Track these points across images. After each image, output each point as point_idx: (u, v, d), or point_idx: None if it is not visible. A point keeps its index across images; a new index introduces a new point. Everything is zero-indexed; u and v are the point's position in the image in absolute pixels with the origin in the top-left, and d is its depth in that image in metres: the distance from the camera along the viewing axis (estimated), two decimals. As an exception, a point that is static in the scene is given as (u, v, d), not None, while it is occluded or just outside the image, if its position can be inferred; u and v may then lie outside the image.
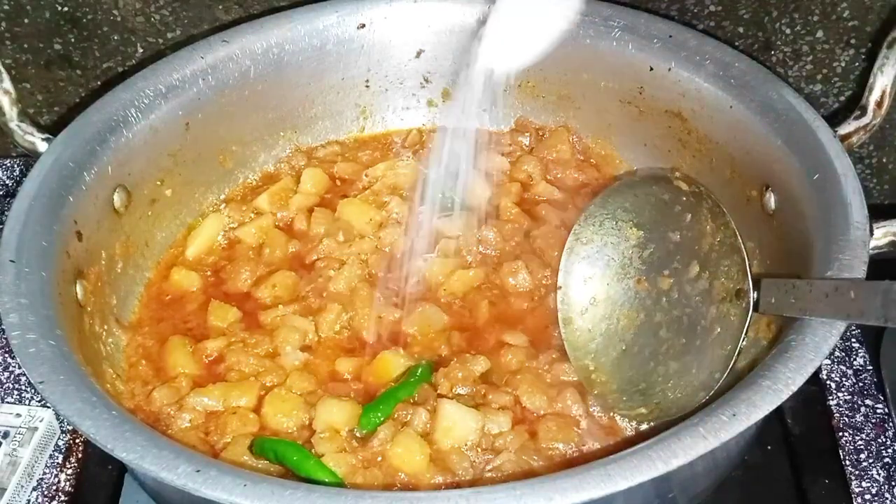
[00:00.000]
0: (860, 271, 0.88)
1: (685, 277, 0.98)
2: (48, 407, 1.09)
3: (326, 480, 0.91)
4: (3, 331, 0.88)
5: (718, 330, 0.94)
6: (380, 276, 1.14)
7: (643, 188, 1.04)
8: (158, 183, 1.16)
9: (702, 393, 0.93)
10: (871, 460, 1.04)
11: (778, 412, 0.92)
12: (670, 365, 0.97)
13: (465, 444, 0.96)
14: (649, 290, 1.01)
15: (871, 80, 1.05)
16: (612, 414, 0.99)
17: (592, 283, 1.06)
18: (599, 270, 1.05)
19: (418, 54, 1.28)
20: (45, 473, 1.06)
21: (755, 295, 0.91)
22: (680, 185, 1.01)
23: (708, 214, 0.97)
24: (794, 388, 0.81)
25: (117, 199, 1.10)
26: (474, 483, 0.93)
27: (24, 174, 1.32)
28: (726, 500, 1.05)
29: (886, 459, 1.04)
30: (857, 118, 1.06)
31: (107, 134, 1.08)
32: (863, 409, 1.09)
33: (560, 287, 1.07)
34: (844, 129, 1.05)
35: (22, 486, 1.04)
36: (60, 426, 1.09)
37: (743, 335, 0.92)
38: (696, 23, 1.24)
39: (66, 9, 1.26)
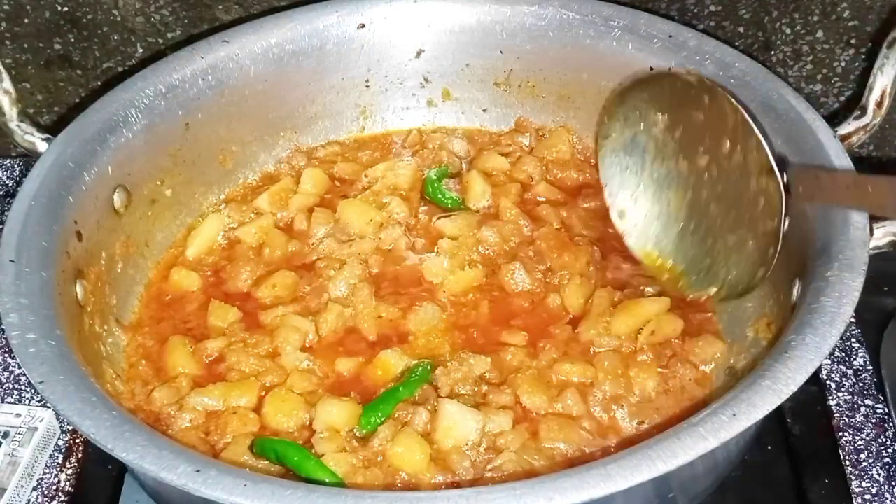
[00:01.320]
0: (860, 271, 0.88)
1: (720, 153, 0.98)
2: (48, 407, 1.08)
3: (327, 481, 0.91)
4: (3, 331, 0.88)
5: (763, 201, 0.94)
6: (380, 275, 1.14)
7: (655, 83, 1.05)
8: (158, 183, 1.16)
9: (761, 269, 0.94)
10: (871, 460, 1.04)
11: (778, 412, 0.92)
12: (728, 238, 0.98)
13: (466, 444, 0.96)
14: (690, 168, 1.02)
15: (871, 80, 1.06)
16: (689, 294, 1.02)
17: (635, 171, 1.07)
18: (638, 158, 1.07)
19: (418, 54, 1.28)
20: (45, 473, 1.06)
21: (785, 178, 0.91)
22: (689, 78, 1.02)
23: (723, 98, 0.97)
24: (794, 388, 0.81)
25: (117, 199, 1.10)
26: (475, 483, 0.93)
27: (24, 174, 1.32)
28: (726, 500, 1.05)
29: (886, 459, 1.04)
30: (857, 118, 1.06)
31: (107, 134, 1.08)
32: (863, 409, 1.09)
33: (604, 185, 1.09)
34: (844, 129, 1.05)
35: (22, 486, 1.03)
36: (60, 426, 1.09)
37: (783, 213, 0.91)
38: (696, 23, 1.24)
39: (66, 9, 1.27)
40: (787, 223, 0.92)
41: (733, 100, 0.96)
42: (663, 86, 1.04)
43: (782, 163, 0.92)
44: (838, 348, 1.14)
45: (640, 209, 1.06)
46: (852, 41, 1.23)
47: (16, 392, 1.12)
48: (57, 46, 1.30)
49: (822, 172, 0.89)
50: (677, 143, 1.03)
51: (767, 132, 0.94)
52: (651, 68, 1.15)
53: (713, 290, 0.99)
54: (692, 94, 1.00)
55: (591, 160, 1.26)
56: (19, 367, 1.10)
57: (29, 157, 1.11)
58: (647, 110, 1.05)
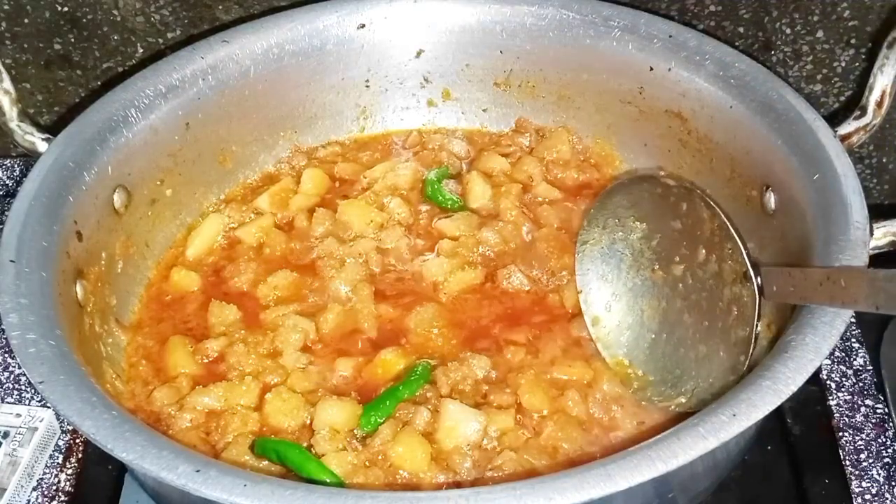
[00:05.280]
0: (860, 271, 0.88)
1: (695, 262, 0.99)
2: (48, 407, 1.09)
3: (328, 481, 0.91)
4: (3, 331, 0.88)
5: (736, 311, 0.94)
6: (380, 276, 1.14)
7: (635, 187, 1.05)
8: (158, 183, 1.16)
9: (732, 377, 0.93)
10: (871, 460, 1.04)
11: (778, 412, 0.92)
12: (699, 349, 0.98)
13: (468, 444, 0.95)
14: (665, 277, 1.02)
15: (871, 80, 1.06)
16: (657, 403, 1.00)
17: (610, 279, 1.07)
18: (614, 266, 1.07)
19: (418, 54, 1.28)
20: (45, 473, 1.06)
21: (759, 280, 0.91)
22: (667, 181, 1.02)
23: (701, 203, 0.98)
24: (794, 388, 0.81)
25: (117, 199, 1.10)
26: (476, 482, 0.93)
27: (24, 174, 1.32)
28: (726, 500, 1.05)
29: (886, 459, 1.04)
30: (857, 118, 1.06)
31: (107, 134, 1.08)
32: (863, 409, 1.09)
33: (580, 291, 1.08)
34: (844, 129, 1.05)
35: (22, 486, 1.04)
36: (60, 426, 1.09)
37: (756, 319, 0.92)
38: (696, 23, 1.24)
39: (66, 9, 1.27)
40: (759, 327, 0.92)
41: (711, 202, 0.96)
42: (643, 191, 1.04)
43: (756, 266, 0.92)
44: (838, 348, 1.14)
45: (613, 318, 1.06)
46: (852, 41, 1.23)
47: (16, 392, 1.12)
48: (57, 46, 1.30)
49: (794, 271, 0.88)
50: (654, 253, 1.04)
51: (743, 236, 0.94)
52: (651, 68, 1.16)
53: (682, 400, 0.98)
54: (671, 201, 1.01)
55: (592, 160, 1.26)
56: (19, 367, 1.10)
57: (29, 157, 1.10)
58: (626, 218, 1.05)
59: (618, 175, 1.24)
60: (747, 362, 0.92)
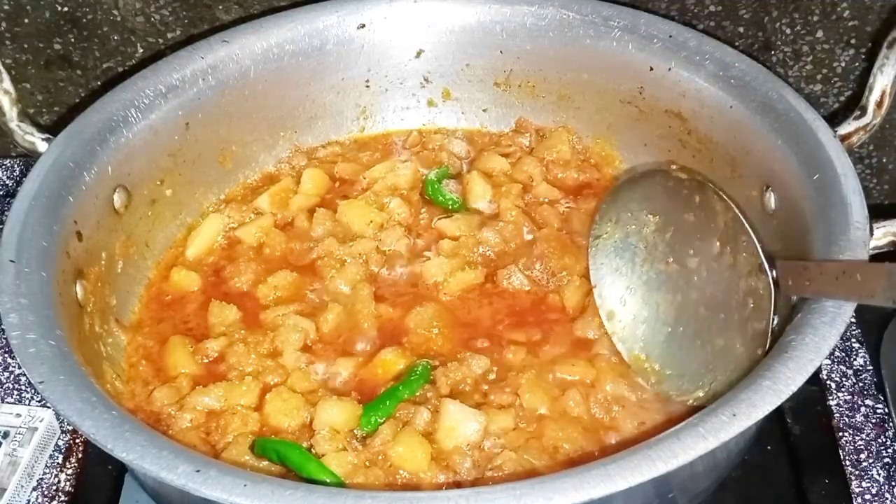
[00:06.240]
0: (860, 271, 0.88)
1: (710, 254, 0.98)
2: (48, 407, 1.09)
3: (328, 481, 0.91)
4: (3, 331, 0.88)
5: (752, 303, 0.94)
6: (380, 275, 1.14)
7: (647, 180, 1.05)
8: (158, 183, 1.16)
9: (749, 370, 0.91)
10: (871, 460, 1.04)
11: (778, 412, 0.92)
12: (716, 342, 0.98)
13: (468, 444, 0.95)
14: (680, 270, 1.02)
15: (871, 80, 1.05)
16: (673, 398, 0.99)
17: (624, 273, 1.07)
18: (628, 260, 1.07)
19: (418, 54, 1.28)
20: (45, 473, 1.06)
21: (774, 273, 0.91)
22: (679, 175, 1.02)
23: (714, 196, 0.98)
24: (794, 388, 0.81)
25: (117, 199, 1.10)
26: (475, 482, 0.93)
27: (24, 174, 1.32)
28: (726, 500, 1.05)
29: (886, 459, 1.04)
30: (857, 118, 1.06)
31: (107, 134, 1.08)
32: (863, 409, 1.09)
33: (594, 286, 1.08)
34: (844, 129, 1.05)
35: (22, 486, 1.04)
36: (60, 426, 1.09)
37: (772, 312, 0.91)
38: (696, 23, 1.24)
39: (66, 9, 1.27)
40: (775, 321, 0.91)
41: (724, 196, 0.96)
42: (655, 184, 1.04)
43: (771, 259, 0.92)
44: (838, 348, 1.14)
45: (628, 312, 1.06)
46: (852, 41, 1.23)
47: (16, 392, 1.12)
48: (57, 46, 1.30)
49: (810, 264, 0.88)
50: (668, 246, 1.03)
51: (757, 229, 0.94)
52: (651, 68, 1.16)
53: (699, 394, 0.97)
54: (683, 193, 1.01)
55: (592, 160, 1.26)
56: (19, 367, 1.10)
57: (29, 157, 1.11)
58: (639, 211, 1.05)
59: (618, 175, 1.23)
60: (765, 356, 0.91)
